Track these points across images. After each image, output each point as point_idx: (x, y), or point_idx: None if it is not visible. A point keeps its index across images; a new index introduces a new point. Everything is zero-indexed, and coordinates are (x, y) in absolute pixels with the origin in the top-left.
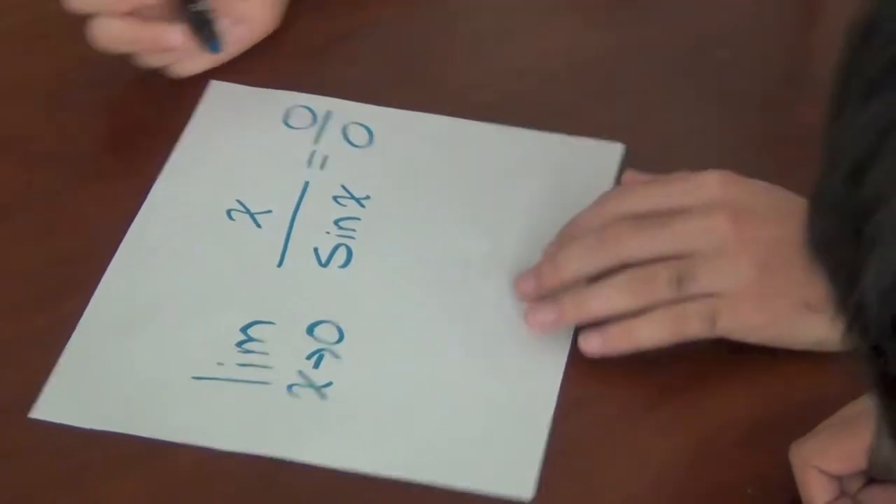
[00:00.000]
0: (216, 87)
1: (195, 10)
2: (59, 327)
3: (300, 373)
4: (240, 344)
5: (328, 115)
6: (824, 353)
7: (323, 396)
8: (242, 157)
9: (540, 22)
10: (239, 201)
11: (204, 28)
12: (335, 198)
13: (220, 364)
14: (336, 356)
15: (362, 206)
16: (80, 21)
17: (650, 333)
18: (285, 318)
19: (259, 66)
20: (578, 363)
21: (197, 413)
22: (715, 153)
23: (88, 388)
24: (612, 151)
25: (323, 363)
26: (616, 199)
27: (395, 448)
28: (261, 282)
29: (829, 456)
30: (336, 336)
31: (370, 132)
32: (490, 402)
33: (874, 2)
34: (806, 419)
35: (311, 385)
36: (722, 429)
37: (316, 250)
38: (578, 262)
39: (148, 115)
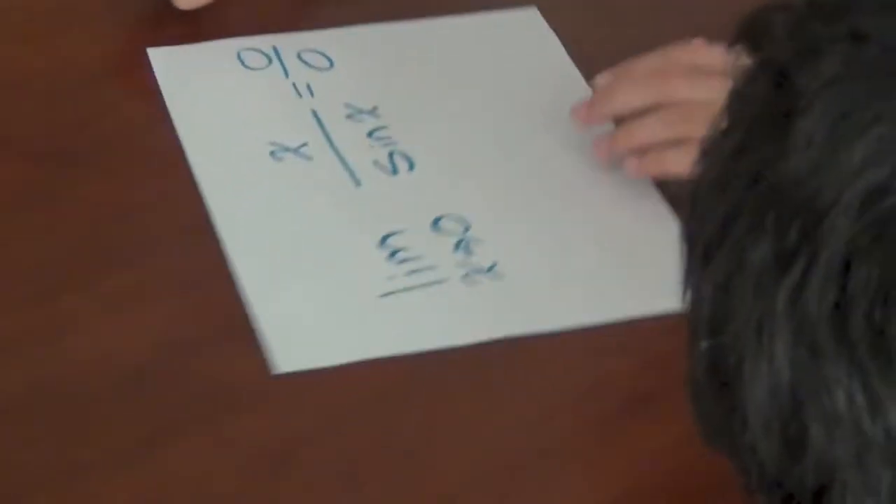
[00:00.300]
0: (157, 55)
1: None
2: (59, 322)
3: (462, 264)
4: (392, 256)
5: (277, 51)
6: None
7: (497, 277)
8: (237, 106)
9: None
10: (273, 143)
11: None
12: (348, 116)
13: (391, 278)
14: (479, 240)
15: (378, 115)
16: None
17: (678, 164)
18: (409, 223)
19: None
20: (577, 357)
21: (405, 323)
22: None
23: (304, 332)
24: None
25: (473, 249)
26: (678, 50)
27: (566, 299)
28: (355, 202)
29: None
30: (462, 225)
31: (324, 55)
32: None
33: None
34: None
35: (483, 270)
36: None
37: (376, 162)
38: (629, 94)
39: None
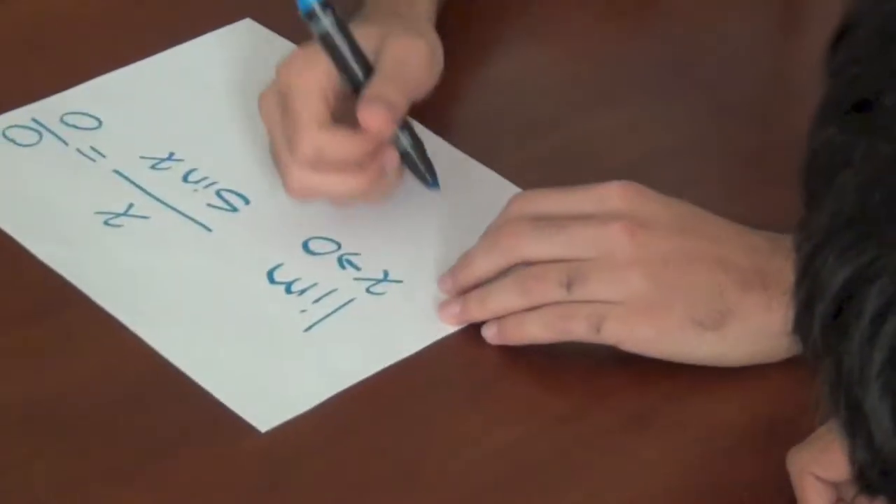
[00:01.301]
0: None
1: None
2: (60, 338)
3: (357, 279)
4: (289, 290)
5: (39, 122)
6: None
7: (397, 282)
8: (40, 187)
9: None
10: (99, 212)
11: (420, 159)
12: (152, 167)
13: (303, 311)
14: (355, 254)
15: (180, 159)
16: None
17: (537, 329)
18: (281, 255)
19: None
20: (575, 371)
21: (342, 351)
22: (705, 162)
23: (263, 388)
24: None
25: (357, 263)
26: (519, 203)
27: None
28: (217, 248)
29: (825, 463)
30: (333, 244)
31: (86, 115)
32: None
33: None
34: (802, 426)
35: (379, 280)
36: (719, 436)
37: (210, 205)
38: (482, 261)
39: None
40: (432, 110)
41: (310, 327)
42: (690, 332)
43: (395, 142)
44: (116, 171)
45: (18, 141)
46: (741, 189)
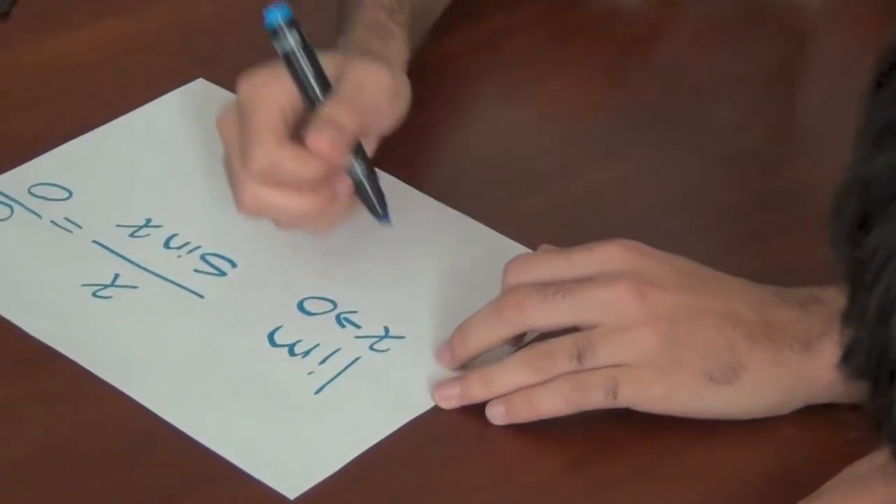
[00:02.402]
0: None
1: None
2: (67, 384)
3: (359, 337)
4: (292, 352)
5: (7, 196)
6: (828, 412)
7: (398, 338)
8: (18, 261)
9: None
10: (85, 284)
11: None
12: (131, 235)
13: (310, 373)
14: (352, 312)
15: (158, 225)
16: None
17: (550, 404)
18: (279, 318)
19: None
20: (582, 422)
21: (357, 410)
22: (707, 213)
23: (282, 456)
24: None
25: (356, 321)
26: (518, 268)
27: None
28: (211, 313)
29: None
30: (329, 303)
31: (55, 185)
32: None
33: None
34: (810, 479)
35: (381, 337)
36: (727, 488)
37: (197, 270)
38: (484, 332)
39: None
40: (425, 168)
41: (320, 389)
42: (703, 388)
43: (350, 170)
44: (96, 242)
45: None
46: (745, 238)
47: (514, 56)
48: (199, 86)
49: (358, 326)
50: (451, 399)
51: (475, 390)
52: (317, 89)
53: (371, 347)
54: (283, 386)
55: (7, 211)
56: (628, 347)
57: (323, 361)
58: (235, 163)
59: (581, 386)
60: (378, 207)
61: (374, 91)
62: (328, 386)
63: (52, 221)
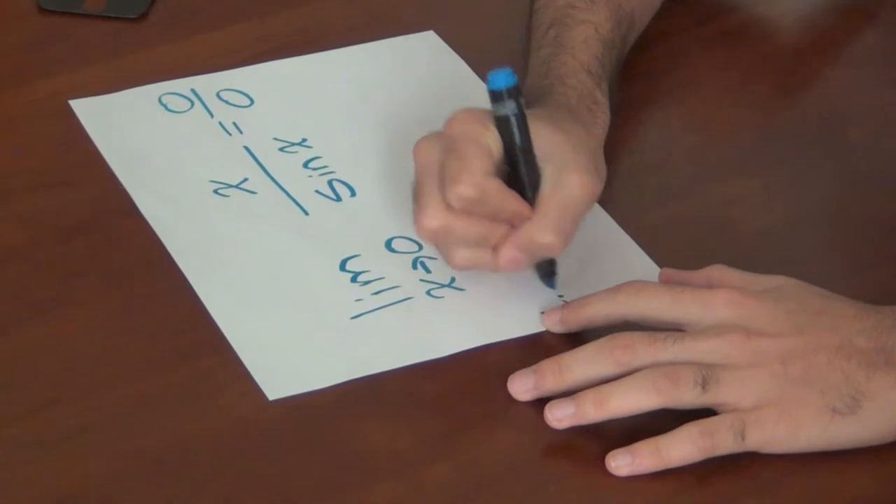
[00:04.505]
0: (80, 106)
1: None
2: (198, 382)
3: (423, 280)
4: (355, 279)
5: (196, 93)
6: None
7: (458, 290)
8: (170, 149)
9: None
10: (214, 181)
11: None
12: (281, 149)
13: (358, 300)
14: (432, 258)
15: (308, 146)
16: None
17: (680, 452)
18: (363, 247)
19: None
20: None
21: (376, 342)
22: (835, 233)
23: (287, 360)
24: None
25: (429, 267)
26: (628, 292)
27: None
28: (307, 231)
29: None
30: (415, 245)
31: (242, 93)
32: None
33: None
34: None
35: (444, 285)
36: None
37: (318, 191)
38: (587, 367)
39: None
40: None
41: (357, 315)
42: (828, 422)
43: None
44: (246, 147)
45: (170, 107)
46: (871, 260)
47: (656, 69)
48: (428, 38)
49: (429, 271)
50: (565, 420)
51: (589, 411)
52: (521, 160)
53: (428, 293)
54: (327, 302)
55: (187, 104)
56: (748, 387)
57: (377, 293)
58: (429, 187)
59: (711, 431)
60: (546, 282)
61: (581, 205)
62: (368, 315)
63: (220, 123)
